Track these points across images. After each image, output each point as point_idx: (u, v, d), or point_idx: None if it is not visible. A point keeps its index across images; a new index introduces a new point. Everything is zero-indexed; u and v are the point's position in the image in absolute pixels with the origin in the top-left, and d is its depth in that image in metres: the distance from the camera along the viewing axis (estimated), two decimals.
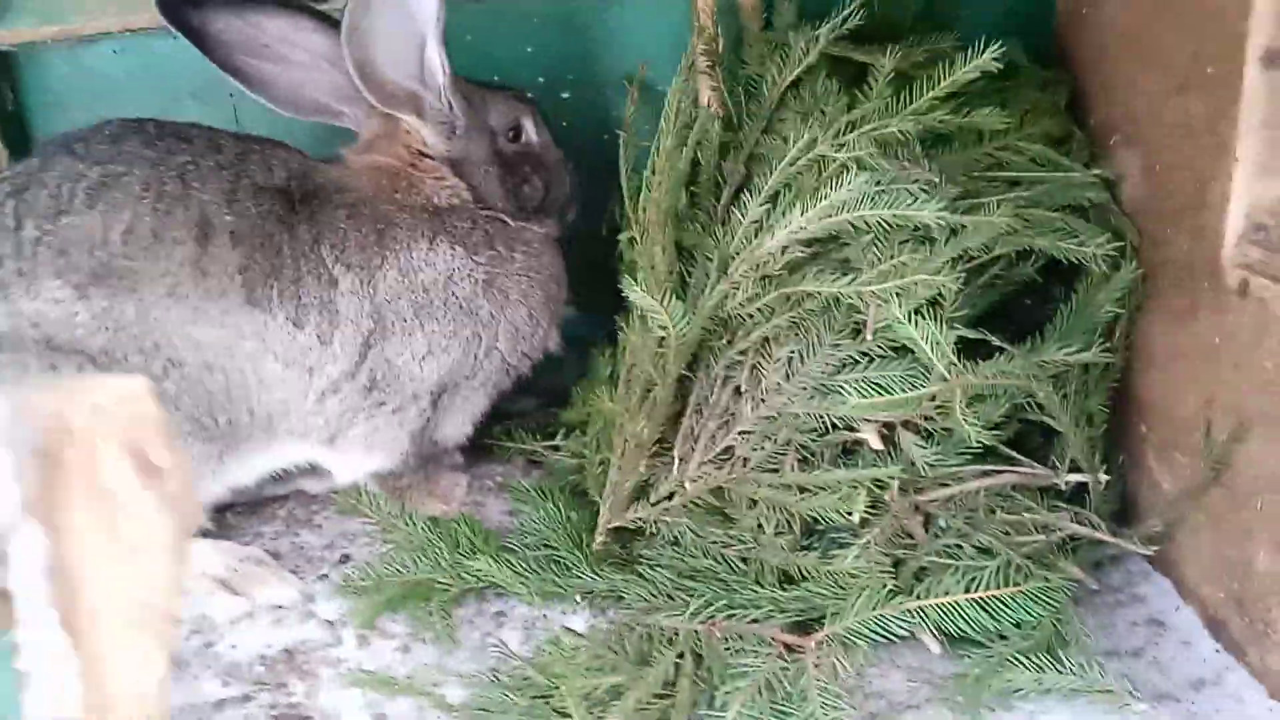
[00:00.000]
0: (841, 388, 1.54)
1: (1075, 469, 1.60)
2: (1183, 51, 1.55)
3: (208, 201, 1.71)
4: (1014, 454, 1.62)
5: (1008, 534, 1.52)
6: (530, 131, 1.98)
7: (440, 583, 1.67)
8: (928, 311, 1.51)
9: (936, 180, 1.63)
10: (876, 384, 1.54)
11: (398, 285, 1.80)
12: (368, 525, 1.94)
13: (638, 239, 1.81)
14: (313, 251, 1.76)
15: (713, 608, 1.49)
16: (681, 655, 1.46)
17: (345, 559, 1.88)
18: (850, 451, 1.65)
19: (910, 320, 1.49)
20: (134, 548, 0.80)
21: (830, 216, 1.56)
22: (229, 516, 2.03)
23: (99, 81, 2.29)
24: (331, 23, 1.83)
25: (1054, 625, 1.39)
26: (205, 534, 1.88)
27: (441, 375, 1.87)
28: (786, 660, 1.40)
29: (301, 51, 1.86)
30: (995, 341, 1.58)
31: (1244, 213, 1.45)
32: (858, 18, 1.80)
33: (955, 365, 1.47)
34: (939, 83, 1.63)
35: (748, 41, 2.03)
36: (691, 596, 1.53)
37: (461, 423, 2.00)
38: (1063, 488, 1.60)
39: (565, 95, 2.26)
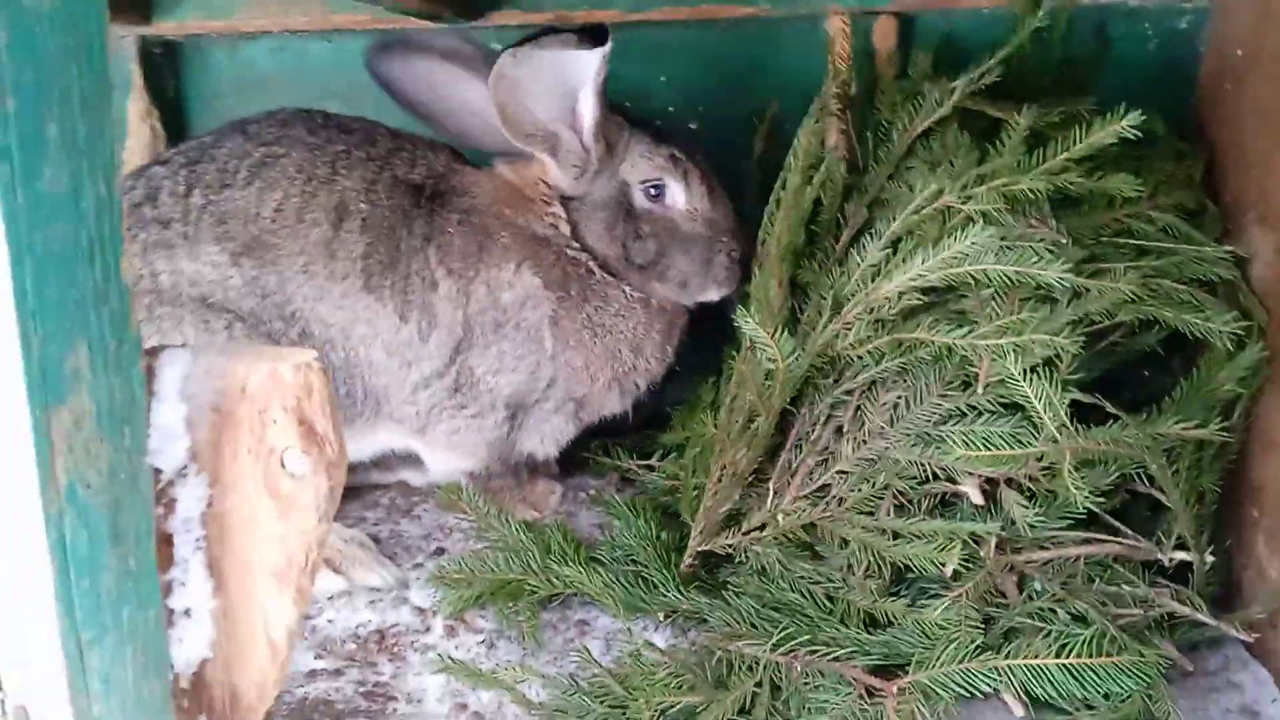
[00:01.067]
0: (946, 438, 1.54)
1: (1180, 546, 1.57)
2: None
3: (349, 188, 1.83)
4: (1118, 524, 1.59)
5: (1104, 604, 1.50)
6: (676, 196, 1.94)
7: (529, 584, 1.72)
8: (1042, 371, 1.51)
9: (1063, 241, 1.62)
10: (983, 438, 1.54)
11: (484, 300, 1.87)
12: (463, 521, 2.00)
13: (755, 271, 1.84)
14: (421, 250, 1.85)
15: (795, 641, 1.49)
16: (760, 684, 1.47)
17: (440, 551, 1.95)
18: (948, 503, 1.65)
19: (1024, 378, 1.48)
20: (288, 506, 0.86)
21: (952, 267, 1.57)
22: None
23: (255, 76, 2.43)
24: None
25: (1145, 701, 1.36)
26: None
27: (511, 391, 1.92)
28: (866, 702, 1.40)
29: (476, 101, 1.90)
30: (1109, 408, 1.56)
31: None
32: (996, 75, 1.81)
33: (1067, 428, 1.46)
34: (1074, 144, 1.63)
35: (881, 88, 2.06)
36: (775, 627, 1.54)
37: (541, 441, 2.03)
38: (1165, 564, 1.57)
39: (694, 125, 2.32)
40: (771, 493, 1.73)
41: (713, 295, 1.99)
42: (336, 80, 2.37)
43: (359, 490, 2.14)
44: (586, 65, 1.76)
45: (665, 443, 2.09)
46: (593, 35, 1.72)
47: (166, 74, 2.44)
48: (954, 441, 1.50)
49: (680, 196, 1.94)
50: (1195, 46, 2.05)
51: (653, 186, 1.92)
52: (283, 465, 0.85)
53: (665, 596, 1.69)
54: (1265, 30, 1.75)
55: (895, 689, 1.38)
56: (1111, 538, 1.57)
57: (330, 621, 1.75)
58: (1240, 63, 1.84)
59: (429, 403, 1.91)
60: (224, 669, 0.89)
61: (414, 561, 1.91)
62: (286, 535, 0.87)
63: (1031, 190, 1.63)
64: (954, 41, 2.15)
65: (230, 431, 0.83)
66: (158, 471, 0.81)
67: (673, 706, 1.46)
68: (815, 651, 1.47)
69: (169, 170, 1.84)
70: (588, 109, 1.83)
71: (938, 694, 1.37)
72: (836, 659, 1.46)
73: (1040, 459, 1.51)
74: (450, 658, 1.58)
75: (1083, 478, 1.47)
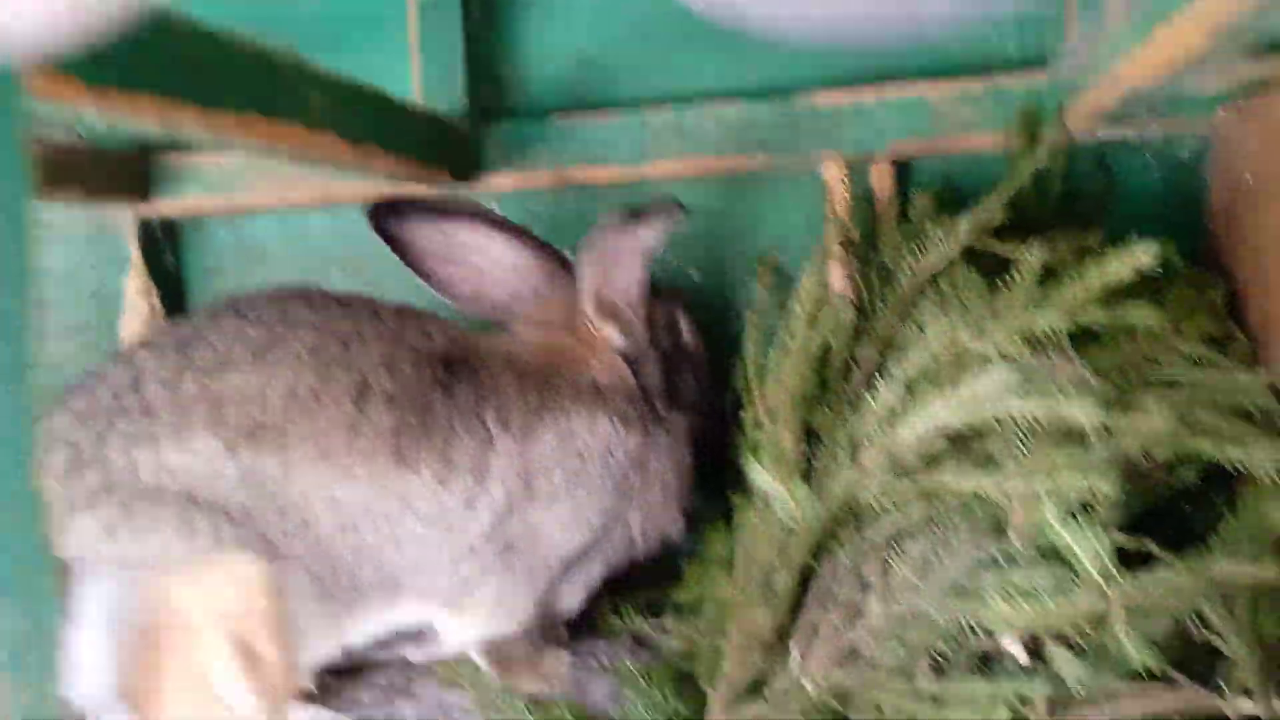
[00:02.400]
0: (983, 592, 1.42)
1: (1246, 694, 1.42)
2: None
3: (366, 368, 1.76)
4: (1176, 675, 1.45)
5: None
6: (684, 327, 2.04)
7: None
8: (1080, 516, 1.41)
9: (1088, 378, 1.55)
10: (1022, 589, 1.42)
11: (554, 450, 1.82)
12: (466, 700, 1.86)
13: (764, 420, 1.77)
14: (473, 413, 1.79)
15: None
16: None
17: None
18: (990, 660, 1.51)
19: (1061, 524, 1.38)
20: None
21: (972, 408, 1.50)
22: (327, 679, 1.97)
23: (256, 249, 2.44)
24: (514, 232, 1.98)
25: None
26: (302, 697, 1.83)
27: (580, 544, 1.86)
28: None
29: (488, 260, 1.97)
30: (1155, 551, 1.45)
31: None
32: (1000, 212, 1.78)
33: (1113, 576, 1.35)
34: (1088, 279, 1.58)
35: (881, 232, 2.04)
36: None
37: (577, 593, 1.97)
38: (1232, 718, 1.42)
39: (695, 274, 2.29)
40: (796, 655, 1.60)
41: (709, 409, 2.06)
42: (337, 250, 2.38)
43: (353, 671, 2.00)
44: (652, 239, 1.86)
45: (677, 600, 1.96)
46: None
47: (165, 249, 2.44)
48: (991, 596, 1.38)
49: (684, 323, 2.04)
50: (1200, 176, 2.03)
51: (669, 325, 2.02)
52: (216, 691, 0.75)
53: None
54: (1274, 155, 1.73)
55: None
56: (1169, 689, 1.43)
57: None
58: (1250, 188, 1.81)
59: (471, 569, 1.81)
60: None
61: None
62: None
63: (1050, 329, 1.57)
64: (952, 184, 2.14)
65: (156, 659, 0.72)
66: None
67: None
68: None
69: (156, 354, 1.74)
70: (640, 278, 1.91)
71: None
72: None
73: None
74: None
75: (1135, 628, 1.35)
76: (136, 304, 2.33)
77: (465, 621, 1.87)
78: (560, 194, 2.28)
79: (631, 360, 1.95)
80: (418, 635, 2.03)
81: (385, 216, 1.94)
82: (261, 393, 1.70)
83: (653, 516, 1.94)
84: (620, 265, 1.88)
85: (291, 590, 1.70)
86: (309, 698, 1.88)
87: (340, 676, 1.99)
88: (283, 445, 1.69)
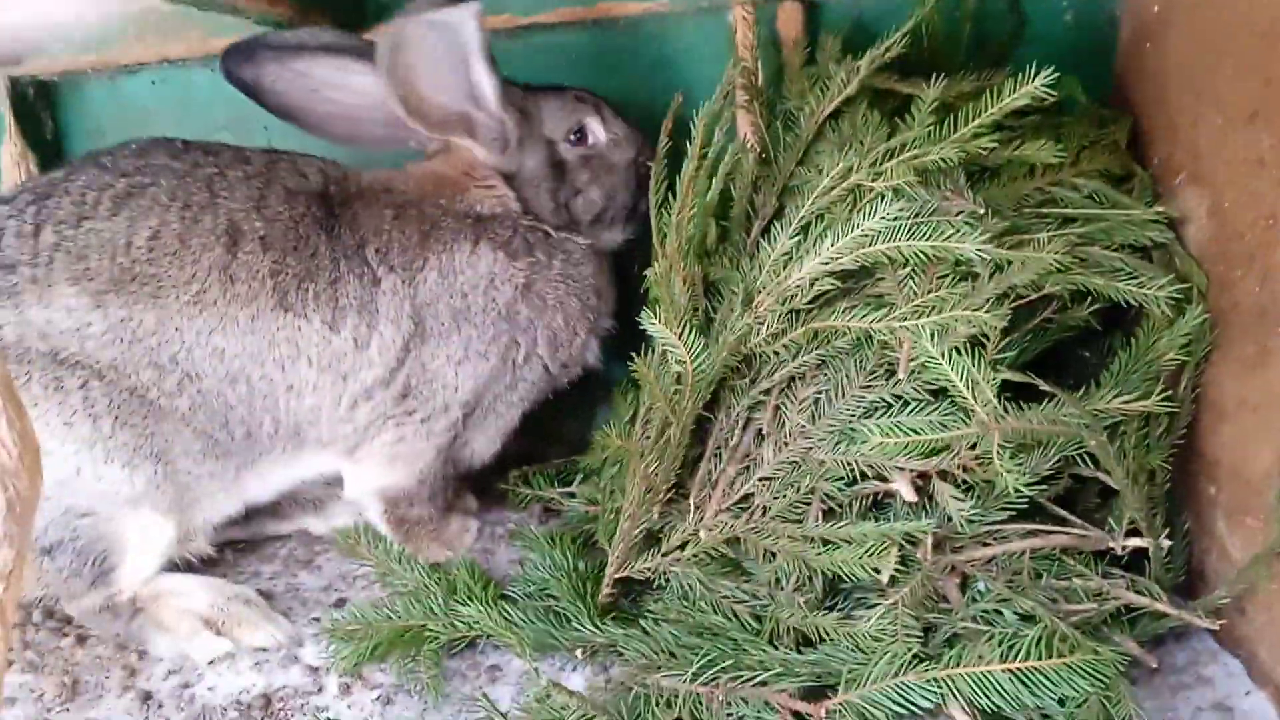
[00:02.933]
0: (871, 432, 1.40)
1: (1134, 532, 1.43)
2: (1251, 81, 1.43)
3: (235, 209, 1.68)
4: (1064, 513, 1.46)
5: (1054, 601, 1.36)
6: (597, 132, 1.91)
7: (431, 630, 1.55)
8: (968, 352, 1.37)
9: (981, 212, 1.50)
10: (910, 430, 1.40)
11: (438, 287, 1.75)
12: (368, 568, 1.83)
13: (657, 269, 1.71)
14: (356, 253, 1.72)
15: (717, 668, 1.34)
16: (680, 719, 1.31)
17: (341, 602, 1.78)
18: (881, 504, 1.51)
19: (947, 359, 1.35)
20: None
21: (863, 246, 1.45)
22: (228, 554, 1.94)
23: (136, 111, 2.29)
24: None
25: (1103, 704, 1.21)
26: (194, 570, 1.80)
27: (477, 383, 1.80)
28: None
29: (351, 92, 1.83)
30: (1044, 387, 1.43)
31: None
32: (903, 48, 1.70)
33: (996, 409, 1.32)
34: (984, 111, 1.51)
35: (788, 76, 1.95)
36: (696, 655, 1.38)
37: (493, 439, 1.92)
38: (1120, 553, 1.43)
39: None
40: (692, 508, 1.59)
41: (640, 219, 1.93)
42: (225, 110, 2.23)
43: (254, 543, 1.96)
44: (465, 31, 1.67)
45: (585, 466, 1.94)
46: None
47: (44, 114, 2.30)
48: (873, 432, 1.36)
49: (600, 130, 1.90)
50: (1112, 11, 1.96)
51: (574, 133, 1.88)
52: None
53: (579, 631, 1.53)
54: None
55: (823, 712, 1.23)
56: (1058, 528, 1.43)
57: (210, 689, 1.57)
58: (1157, 19, 1.74)
59: (370, 415, 1.76)
60: None
61: (311, 616, 1.74)
62: None
63: (943, 161, 1.50)
64: (863, 25, 2.05)
65: None
66: None
67: None
68: (739, 678, 1.32)
69: (13, 209, 1.65)
70: (484, 78, 1.75)
71: (873, 714, 1.22)
72: (761, 684, 1.30)
73: (973, 447, 1.38)
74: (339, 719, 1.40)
75: (1019, 463, 1.33)
76: (11, 172, 2.20)
77: (364, 470, 1.82)
78: None
79: (511, 176, 1.85)
80: (317, 508, 2.00)
81: (238, 62, 1.81)
82: (126, 241, 1.62)
83: (559, 344, 1.88)
84: (439, 65, 1.71)
85: (180, 450, 1.64)
86: (209, 565, 1.86)
87: (239, 551, 1.96)
88: (155, 295, 1.61)
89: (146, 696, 1.57)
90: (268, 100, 1.82)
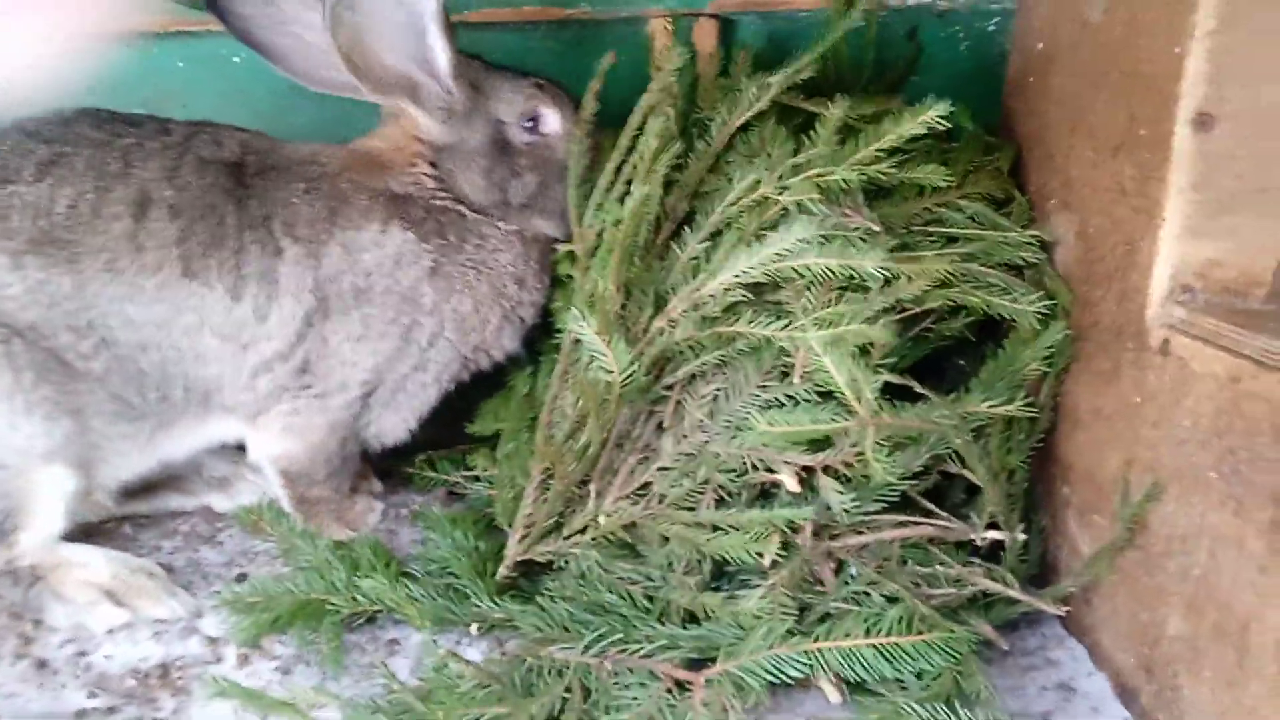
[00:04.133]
0: (758, 422, 1.49)
1: (993, 526, 1.56)
2: (1119, 116, 1.56)
3: (148, 179, 1.69)
4: (932, 506, 1.57)
5: (917, 585, 1.47)
6: (553, 124, 1.90)
7: (332, 604, 1.60)
8: (856, 357, 1.48)
9: (876, 230, 1.61)
10: (788, 418, 1.50)
11: (341, 264, 1.76)
12: (270, 545, 1.86)
13: (588, 274, 1.76)
14: (262, 224, 1.72)
15: (606, 641, 1.42)
16: (570, 689, 1.39)
17: (243, 578, 1.80)
18: (768, 494, 1.61)
19: (837, 366, 1.45)
20: None
21: (776, 262, 1.54)
22: (127, 528, 1.95)
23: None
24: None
25: (955, 678, 1.33)
26: (95, 543, 1.81)
27: (376, 362, 1.81)
28: (675, 697, 1.33)
29: (316, 31, 1.75)
30: (919, 390, 1.55)
31: (1169, 273, 1.44)
32: (811, 71, 1.81)
33: (873, 406, 1.43)
34: (884, 135, 1.63)
35: (702, 87, 2.04)
36: (588, 630, 1.46)
37: (405, 418, 1.92)
38: (979, 544, 1.56)
39: None
40: (593, 494, 1.66)
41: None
42: (141, 86, 2.24)
43: (155, 518, 1.97)
44: None
45: (472, 432, 1.98)
46: None
47: None
48: (759, 420, 1.45)
49: (556, 123, 1.89)
50: (1003, 46, 2.11)
51: (528, 118, 1.87)
52: None
53: (478, 607, 1.59)
54: (1062, 24, 1.80)
55: (703, 680, 1.32)
56: (925, 519, 1.55)
57: (107, 657, 1.58)
58: (1040, 56, 1.88)
59: (269, 386, 1.77)
60: None
61: (212, 590, 1.76)
62: None
63: (845, 180, 1.61)
64: (775, 42, 2.16)
65: None
66: None
67: (478, 719, 1.36)
68: (626, 650, 1.40)
69: None
70: (438, 45, 1.73)
71: (748, 683, 1.31)
72: (647, 655, 1.38)
73: (855, 444, 1.48)
74: (233, 683, 1.44)
75: (893, 460, 1.44)
76: None
77: (262, 437, 1.84)
78: None
79: (444, 150, 1.84)
80: (221, 485, 2.02)
81: None
82: (46, 205, 1.64)
83: (469, 328, 1.88)
84: (391, 25, 1.70)
85: (94, 410, 1.66)
86: (110, 539, 1.86)
87: (140, 525, 1.96)
88: (72, 260, 1.63)
89: (42, 664, 1.58)
90: (235, 26, 1.79)
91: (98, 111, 1.79)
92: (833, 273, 1.52)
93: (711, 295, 1.59)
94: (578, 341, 1.63)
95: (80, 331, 1.64)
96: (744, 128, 1.82)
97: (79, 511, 1.74)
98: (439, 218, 1.84)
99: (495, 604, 1.58)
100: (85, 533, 1.86)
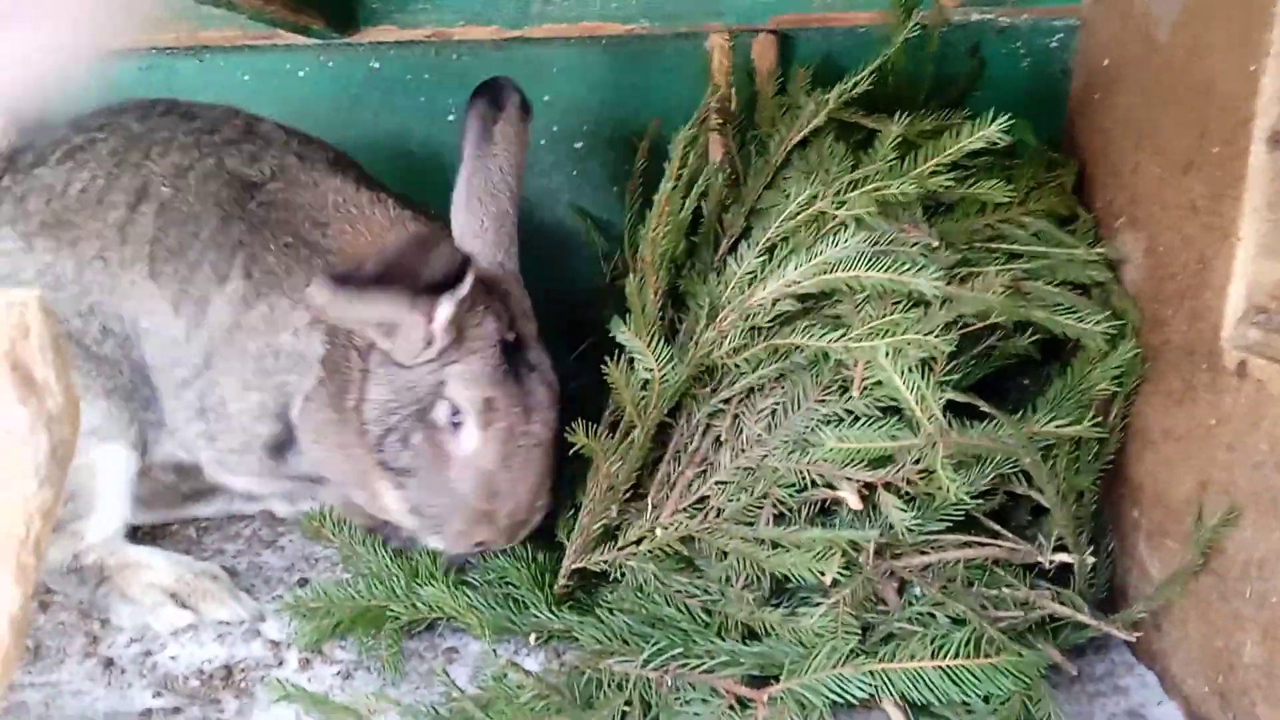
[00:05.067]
0: (825, 438, 1.49)
1: (1061, 548, 1.53)
2: (1188, 133, 1.54)
3: (155, 172, 1.68)
4: (997, 527, 1.55)
5: (984, 608, 1.45)
6: (466, 441, 1.59)
7: (392, 610, 1.61)
8: (918, 372, 1.47)
9: (935, 245, 1.60)
10: (860, 442, 1.49)
11: (259, 325, 1.62)
12: (331, 551, 1.88)
13: (631, 281, 1.79)
14: (230, 250, 1.63)
15: (666, 655, 1.42)
16: (630, 702, 1.39)
17: (304, 582, 1.82)
18: (828, 511, 1.60)
19: (900, 378, 1.44)
20: (2, 469, 0.75)
21: (824, 273, 1.54)
22: (191, 531, 1.98)
23: (122, 96, 2.33)
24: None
25: (1024, 703, 1.31)
26: (160, 546, 1.84)
27: (269, 435, 1.68)
28: (738, 714, 1.32)
29: None
30: (985, 408, 1.53)
31: (1244, 294, 1.41)
32: (869, 85, 1.80)
33: (940, 422, 1.42)
34: (943, 149, 1.62)
35: (761, 104, 2.05)
36: (648, 643, 1.46)
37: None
38: (1047, 566, 1.53)
39: (578, 145, 2.28)
40: (650, 507, 1.66)
41: (431, 544, 1.68)
42: (205, 97, 2.28)
43: (217, 522, 2.00)
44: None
45: None
46: (449, 269, 1.47)
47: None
48: (826, 437, 1.44)
49: (471, 443, 1.58)
50: (1066, 62, 2.09)
51: (455, 415, 1.57)
52: None
53: (536, 617, 1.60)
54: (1128, 41, 1.78)
55: (765, 698, 1.31)
56: (990, 540, 1.53)
57: (173, 658, 1.61)
58: (1106, 73, 1.86)
59: (181, 407, 1.69)
60: None
61: (274, 594, 1.78)
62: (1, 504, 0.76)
63: (903, 195, 1.60)
64: (833, 59, 2.16)
65: None
66: None
67: None
68: (687, 665, 1.39)
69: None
70: (445, 310, 1.49)
71: (811, 702, 1.30)
72: (708, 671, 1.38)
73: (917, 461, 1.47)
74: (296, 686, 1.45)
75: (959, 478, 1.43)
76: None
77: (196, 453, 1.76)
78: (442, 51, 2.23)
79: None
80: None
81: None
82: (61, 188, 1.67)
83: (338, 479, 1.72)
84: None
85: (124, 395, 1.68)
86: (174, 542, 1.90)
87: (204, 529, 1.99)
88: (74, 241, 1.65)
89: (109, 663, 1.60)
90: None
91: (156, 103, 1.82)
92: (887, 289, 1.52)
93: (761, 305, 1.59)
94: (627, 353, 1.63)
95: (85, 316, 1.66)
96: (802, 144, 1.83)
97: (143, 497, 1.76)
98: (347, 377, 1.60)
99: (554, 614, 1.58)
100: (151, 536, 1.89)
